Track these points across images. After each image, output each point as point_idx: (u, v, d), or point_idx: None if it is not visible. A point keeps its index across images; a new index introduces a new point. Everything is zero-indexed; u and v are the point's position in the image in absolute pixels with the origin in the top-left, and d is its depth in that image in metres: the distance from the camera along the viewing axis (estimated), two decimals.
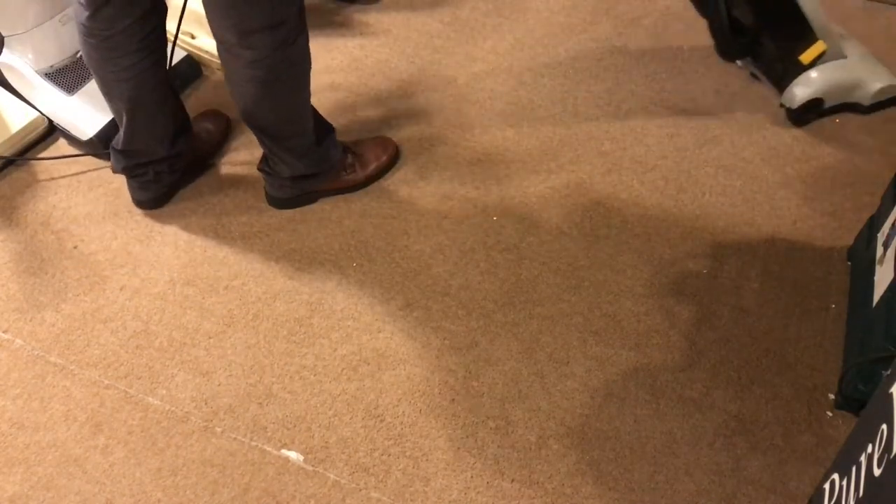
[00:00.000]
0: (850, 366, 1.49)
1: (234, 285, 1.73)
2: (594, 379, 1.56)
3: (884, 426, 1.00)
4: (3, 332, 1.65)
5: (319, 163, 1.83)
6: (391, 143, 1.99)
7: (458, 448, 1.47)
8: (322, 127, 1.82)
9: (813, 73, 1.99)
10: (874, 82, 2.02)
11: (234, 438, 1.49)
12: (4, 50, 1.92)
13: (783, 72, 2.04)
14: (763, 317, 1.65)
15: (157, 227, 1.86)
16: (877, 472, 0.99)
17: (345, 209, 1.88)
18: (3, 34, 1.92)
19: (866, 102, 2.04)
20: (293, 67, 1.64)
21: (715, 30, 2.01)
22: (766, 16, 2.01)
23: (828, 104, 2.03)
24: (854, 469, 1.07)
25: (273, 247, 1.81)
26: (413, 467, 1.44)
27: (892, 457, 0.95)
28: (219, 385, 1.57)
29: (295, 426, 1.50)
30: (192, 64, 2.18)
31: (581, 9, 2.41)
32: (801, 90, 1.99)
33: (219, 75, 2.20)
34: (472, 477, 1.43)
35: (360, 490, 1.42)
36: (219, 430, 1.50)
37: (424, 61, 2.26)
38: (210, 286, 1.73)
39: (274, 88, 1.64)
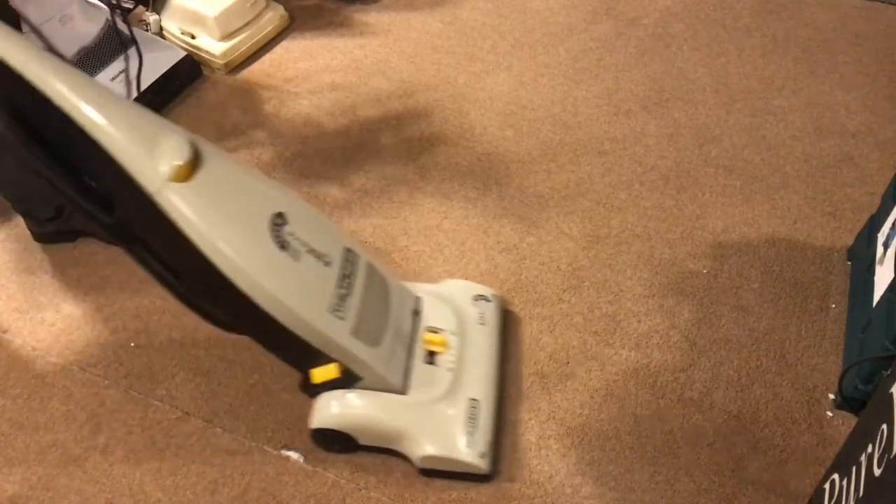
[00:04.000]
0: (850, 366, 1.49)
1: None
2: (594, 379, 1.56)
3: (884, 426, 1.00)
4: (3, 332, 1.65)
5: None
6: None
7: None
8: None
9: (334, 401, 1.39)
10: (422, 445, 1.38)
11: (234, 438, 1.49)
12: None
13: (303, 384, 1.43)
14: (763, 317, 1.65)
15: None
16: (877, 471, 0.99)
17: (344, 210, 1.88)
18: None
19: (417, 464, 1.42)
20: None
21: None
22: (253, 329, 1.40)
23: (364, 442, 1.43)
24: (854, 469, 1.07)
25: None
26: (413, 467, 1.44)
27: (892, 457, 0.95)
28: (219, 385, 1.56)
29: (295, 426, 1.50)
30: (192, 64, 2.18)
31: (581, 9, 2.41)
32: (316, 416, 1.41)
33: (219, 75, 2.20)
34: (471, 476, 1.42)
35: (360, 490, 1.42)
36: (219, 430, 1.50)
37: (424, 61, 2.26)
38: None
39: None
